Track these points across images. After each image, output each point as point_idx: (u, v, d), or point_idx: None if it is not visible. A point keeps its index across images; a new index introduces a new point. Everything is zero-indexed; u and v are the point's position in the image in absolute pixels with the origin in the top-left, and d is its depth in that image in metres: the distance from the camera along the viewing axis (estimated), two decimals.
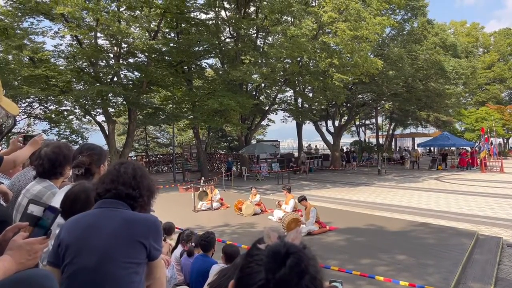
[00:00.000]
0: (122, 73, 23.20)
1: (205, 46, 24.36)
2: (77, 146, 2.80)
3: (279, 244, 0.82)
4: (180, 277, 5.23)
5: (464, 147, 33.29)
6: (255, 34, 26.21)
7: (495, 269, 7.55)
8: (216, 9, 24.89)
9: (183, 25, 23.15)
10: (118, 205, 1.89)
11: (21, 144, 3.14)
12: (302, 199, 10.33)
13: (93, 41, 20.92)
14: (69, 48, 21.39)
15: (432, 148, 44.10)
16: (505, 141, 50.78)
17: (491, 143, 30.02)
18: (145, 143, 40.05)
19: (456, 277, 6.69)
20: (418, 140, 47.13)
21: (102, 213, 1.88)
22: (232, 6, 26.04)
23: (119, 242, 1.79)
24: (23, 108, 24.62)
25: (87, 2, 18.12)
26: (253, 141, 32.18)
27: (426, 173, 27.24)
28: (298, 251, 0.81)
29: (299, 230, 0.90)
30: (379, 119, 46.14)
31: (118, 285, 1.75)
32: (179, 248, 5.77)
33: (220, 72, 25.15)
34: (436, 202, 15.43)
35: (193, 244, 5.53)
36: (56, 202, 2.47)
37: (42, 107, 24.76)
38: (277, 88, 27.72)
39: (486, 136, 28.77)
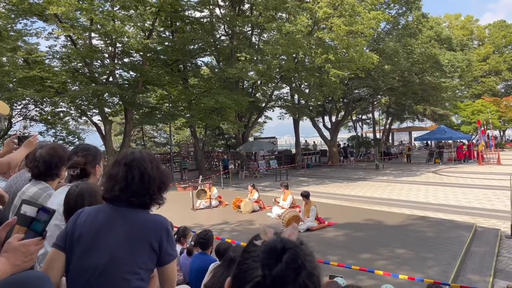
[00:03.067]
0: (117, 73, 23.13)
1: (200, 44, 24.30)
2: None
3: (275, 240, 0.81)
4: (180, 276, 5.23)
5: (461, 140, 33.38)
6: (250, 31, 26.16)
7: (493, 261, 7.58)
8: (210, 6, 24.79)
9: (177, 24, 23.08)
10: (130, 205, 1.84)
11: (16, 145, 3.11)
12: (305, 195, 10.28)
13: (87, 41, 20.83)
14: (64, 49, 21.28)
15: (429, 142, 44.24)
16: (502, 133, 50.98)
17: (488, 135, 30.13)
18: (142, 143, 39.97)
19: (455, 270, 6.72)
20: (415, 134, 47.24)
21: (116, 211, 1.82)
22: (226, 3, 25.95)
23: (129, 246, 1.74)
24: (18, 110, 24.53)
25: (81, 2, 18.02)
26: (251, 139, 32.15)
27: (423, 167, 27.32)
28: (294, 246, 0.80)
29: (296, 226, 0.89)
30: (376, 114, 46.16)
31: None
32: (178, 247, 5.76)
33: (216, 70, 25.10)
34: (434, 195, 15.48)
35: (192, 242, 5.53)
36: (52, 204, 2.45)
37: (37, 109, 24.67)
38: (273, 85, 27.66)
39: (482, 128, 28.86)
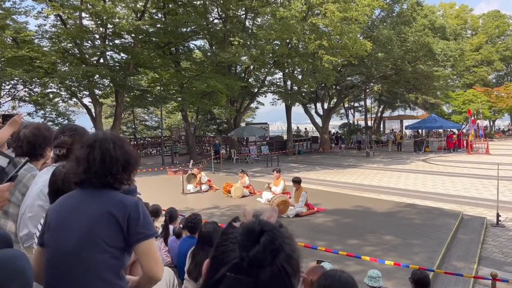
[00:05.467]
0: (108, 55, 22.80)
1: (193, 27, 23.99)
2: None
3: (254, 222, 0.80)
4: (168, 258, 5.25)
5: (451, 129, 33.65)
6: (244, 15, 25.86)
7: (478, 248, 7.71)
8: None
9: (170, 6, 22.72)
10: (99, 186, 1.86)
11: (0, 124, 3.05)
12: (297, 181, 10.30)
13: (77, 22, 20.44)
14: (53, 29, 20.88)
15: (420, 131, 44.57)
16: (492, 123, 51.45)
17: (478, 125, 30.41)
18: (133, 126, 39.71)
19: (440, 256, 6.83)
20: (406, 122, 47.49)
21: (85, 194, 1.85)
22: None
23: (99, 226, 1.76)
24: (7, 91, 24.13)
25: None
26: (242, 124, 32.09)
27: (413, 155, 27.55)
28: (273, 229, 0.79)
29: (276, 209, 0.88)
30: (368, 102, 46.27)
31: (96, 267, 1.73)
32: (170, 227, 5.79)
33: (209, 53, 24.85)
34: (423, 183, 15.65)
35: (180, 225, 5.53)
36: (37, 184, 2.42)
37: (26, 89, 24.27)
38: (266, 70, 27.53)
39: (472, 118, 29.09)
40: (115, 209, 1.79)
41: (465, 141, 29.71)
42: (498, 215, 9.36)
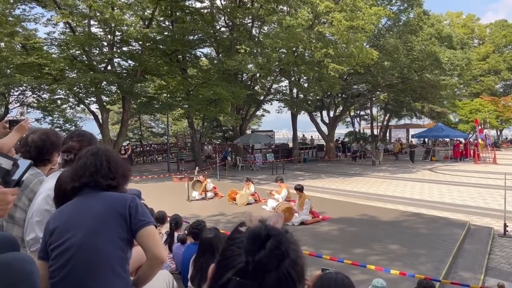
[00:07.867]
0: (116, 62, 23.00)
1: (200, 35, 24.18)
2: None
3: (260, 226, 0.81)
4: (172, 265, 5.25)
5: (458, 139, 33.46)
6: (251, 24, 26.02)
7: (485, 259, 7.63)
8: None
9: (177, 14, 22.92)
10: (98, 190, 2.03)
11: (7, 130, 3.08)
12: (298, 188, 10.29)
13: (86, 29, 20.68)
14: (62, 36, 21.13)
15: (426, 139, 44.36)
16: (499, 133, 51.07)
17: (486, 135, 30.22)
18: (139, 132, 39.89)
19: (447, 267, 6.76)
20: (412, 131, 47.30)
21: (85, 197, 2.00)
22: None
23: (104, 219, 1.90)
24: (15, 96, 24.41)
25: None
26: (248, 131, 32.14)
27: (419, 164, 27.37)
28: (279, 234, 0.79)
29: (281, 214, 0.89)
30: (374, 110, 46.24)
31: (106, 259, 1.84)
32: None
33: (215, 61, 24.99)
34: (429, 192, 15.53)
35: (185, 232, 5.54)
36: (44, 189, 2.44)
37: (35, 96, 24.52)
38: (272, 78, 27.59)
39: (479, 127, 28.92)
40: (117, 203, 1.97)
41: (472, 151, 29.51)
42: (505, 226, 9.26)
